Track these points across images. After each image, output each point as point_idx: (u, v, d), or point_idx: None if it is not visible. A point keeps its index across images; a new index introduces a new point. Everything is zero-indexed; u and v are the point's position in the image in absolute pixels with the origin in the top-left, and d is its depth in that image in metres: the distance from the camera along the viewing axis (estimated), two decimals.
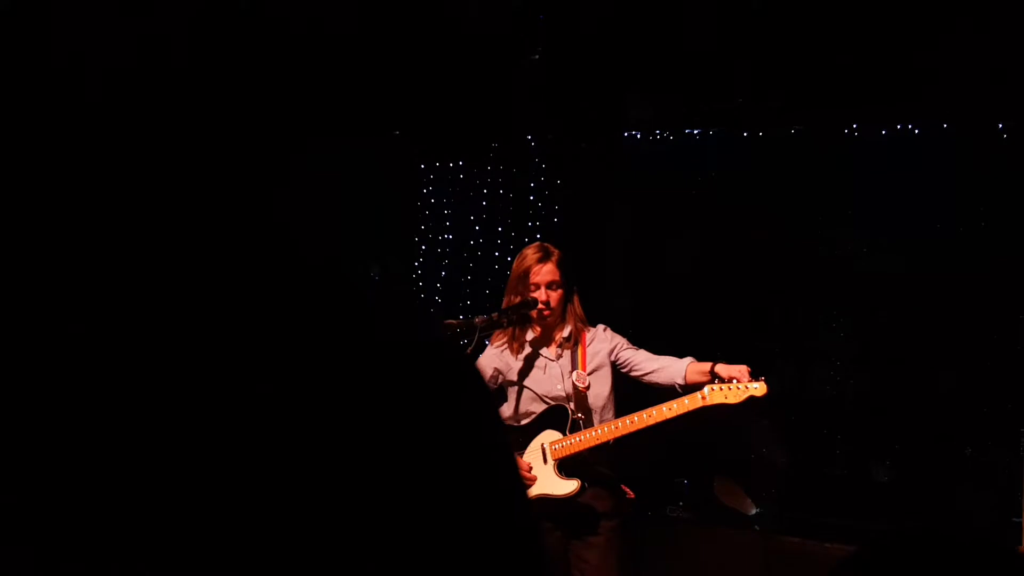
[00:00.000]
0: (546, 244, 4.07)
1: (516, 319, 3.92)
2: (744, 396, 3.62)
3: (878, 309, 6.33)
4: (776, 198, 6.61)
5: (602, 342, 4.01)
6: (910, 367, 6.18)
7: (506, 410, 4.00)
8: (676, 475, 6.46)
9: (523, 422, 3.91)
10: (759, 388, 3.62)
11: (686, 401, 3.66)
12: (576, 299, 4.05)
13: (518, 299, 3.91)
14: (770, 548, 5.54)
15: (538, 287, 3.88)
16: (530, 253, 3.96)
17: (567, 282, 3.97)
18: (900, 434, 6.18)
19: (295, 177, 6.55)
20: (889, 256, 6.25)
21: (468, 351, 3.66)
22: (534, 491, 3.73)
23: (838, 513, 5.88)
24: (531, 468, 3.78)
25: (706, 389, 3.65)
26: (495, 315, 3.85)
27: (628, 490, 3.92)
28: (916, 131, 6.45)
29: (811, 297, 6.49)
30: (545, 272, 3.89)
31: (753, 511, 6.11)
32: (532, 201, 7.48)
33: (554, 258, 3.93)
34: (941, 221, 6.21)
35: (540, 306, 3.85)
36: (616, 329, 4.18)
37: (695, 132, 7.04)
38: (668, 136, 7.12)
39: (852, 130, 6.57)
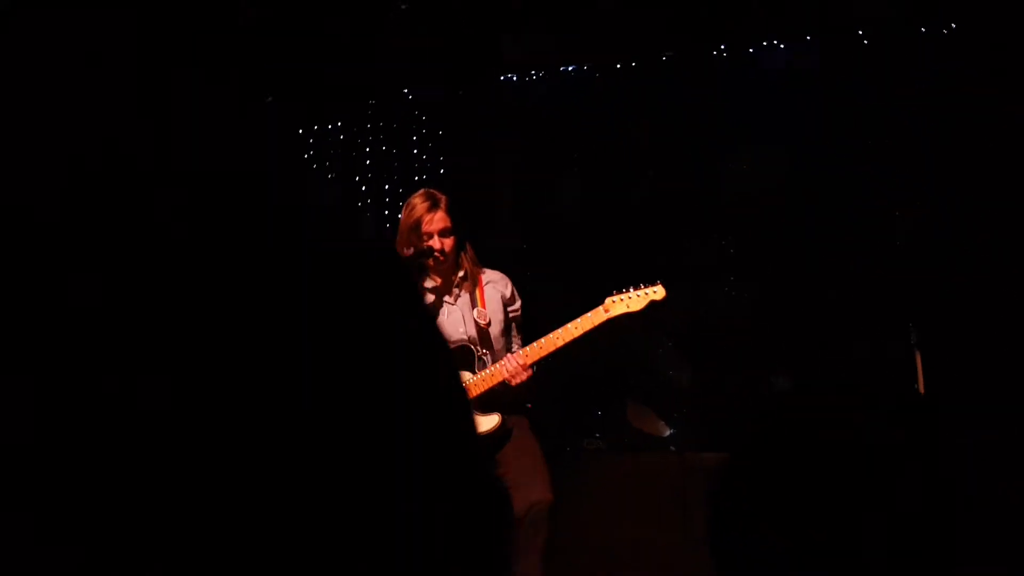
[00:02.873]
0: (431, 191, 4.03)
1: (415, 271, 3.89)
2: (645, 301, 3.67)
3: (762, 223, 6.49)
4: (654, 126, 6.69)
5: (500, 287, 4.02)
6: (799, 275, 6.38)
7: None
8: (588, 407, 6.57)
9: None
10: (658, 291, 3.69)
11: (589, 315, 3.69)
12: (467, 243, 4.04)
13: (411, 250, 3.85)
14: (688, 466, 5.68)
15: (431, 236, 3.85)
16: (418, 203, 3.91)
17: (457, 227, 3.96)
18: (796, 341, 6.37)
19: (173, 159, 6.38)
20: (768, 171, 6.40)
21: None
22: None
23: (747, 425, 6.04)
24: None
25: (607, 301, 3.68)
26: None
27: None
28: (782, 46, 6.59)
29: (698, 220, 6.61)
30: (436, 220, 3.87)
31: (667, 433, 6.27)
32: (416, 155, 7.43)
33: (443, 205, 3.91)
34: (814, 131, 6.39)
35: (436, 254, 3.84)
36: (512, 271, 4.17)
37: (570, 69, 7.06)
38: (543, 75, 7.12)
39: (721, 51, 6.68)
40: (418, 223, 3.86)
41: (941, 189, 6.10)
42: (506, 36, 6.63)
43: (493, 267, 4.19)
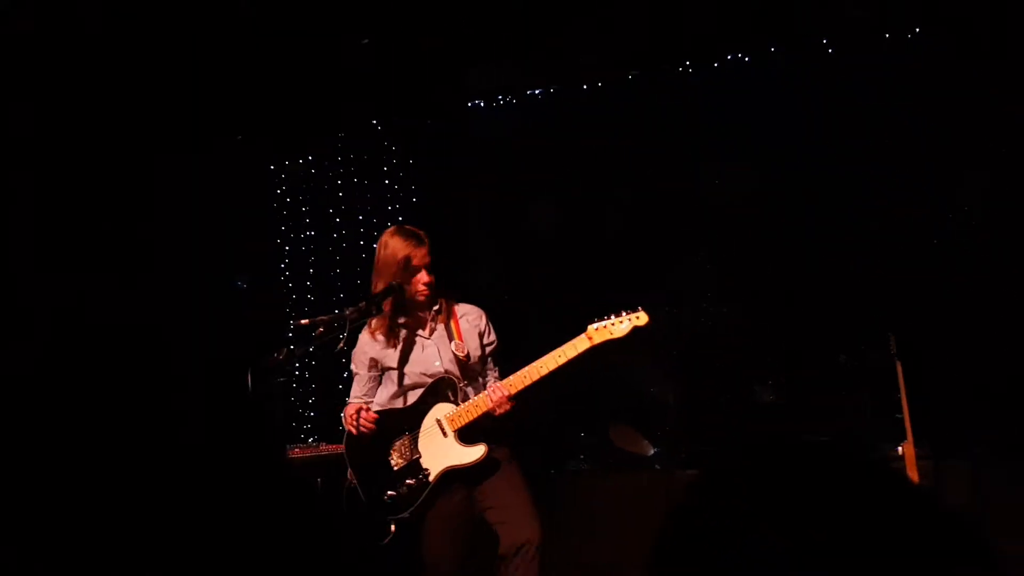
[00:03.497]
0: (409, 227, 3.98)
1: (383, 305, 3.87)
2: (629, 328, 3.63)
3: (737, 237, 6.50)
4: (625, 145, 6.71)
5: (475, 320, 3.99)
6: (777, 287, 6.38)
7: (383, 394, 3.95)
8: (571, 429, 6.54)
9: (408, 403, 3.86)
10: (641, 317, 3.64)
11: (573, 343, 3.67)
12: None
13: (398, 285, 3.81)
14: (672, 484, 5.66)
15: (419, 271, 3.82)
16: (402, 239, 3.86)
17: (436, 261, 3.90)
18: (777, 353, 6.37)
19: (149, 199, 6.36)
20: (741, 184, 6.41)
21: (340, 344, 3.62)
22: (442, 464, 3.70)
23: (732, 440, 6.03)
24: (362, 409, 3.76)
25: (589, 329, 3.65)
26: (362, 304, 3.80)
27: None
28: (747, 59, 6.62)
29: (672, 236, 6.62)
30: (424, 255, 3.83)
31: (651, 451, 6.24)
32: (388, 185, 7.43)
33: (427, 241, 3.87)
34: (785, 142, 6.41)
35: (422, 288, 3.81)
36: (489, 299, 4.19)
37: (537, 92, 7.08)
38: (511, 100, 7.15)
39: (686, 67, 6.72)
40: (408, 259, 3.81)
41: (919, 198, 6.13)
42: (469, 66, 6.66)
43: (470, 294, 4.19)
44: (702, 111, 6.60)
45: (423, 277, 3.81)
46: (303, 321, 3.77)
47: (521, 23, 6.27)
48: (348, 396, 4.02)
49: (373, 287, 3.89)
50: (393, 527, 3.64)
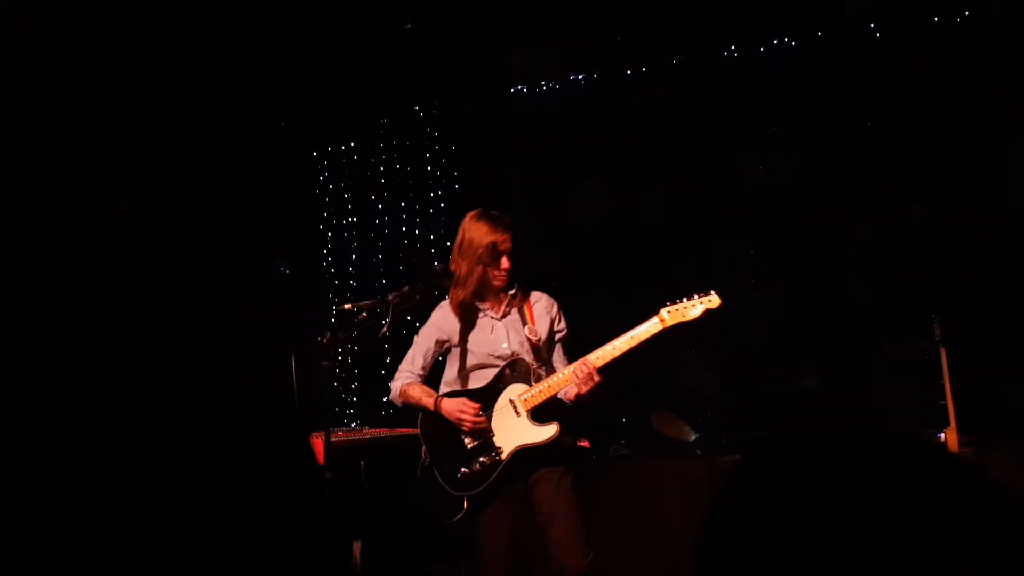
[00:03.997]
0: (494, 212, 4.06)
1: (428, 290, 3.96)
2: (701, 310, 3.71)
3: (780, 223, 6.45)
4: (668, 131, 6.69)
5: (547, 310, 4.08)
6: (820, 274, 6.33)
7: (450, 372, 4.05)
8: (613, 414, 6.55)
9: (478, 384, 3.96)
10: (713, 300, 3.71)
11: (647, 325, 3.73)
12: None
13: (475, 267, 3.92)
14: (714, 470, 5.65)
15: (502, 256, 3.92)
16: (488, 224, 3.96)
17: (516, 246, 4.01)
18: (821, 339, 6.33)
19: (193, 184, 6.45)
20: (783, 170, 6.36)
21: (384, 330, 3.66)
22: (515, 443, 3.78)
23: (774, 425, 6.02)
24: (478, 409, 3.83)
25: (663, 312, 3.72)
26: (406, 289, 3.85)
27: (583, 440, 4.01)
28: (793, 44, 6.56)
29: (715, 222, 6.58)
30: (507, 241, 3.94)
31: (692, 437, 6.23)
32: (430, 171, 7.46)
33: (511, 227, 3.98)
34: (831, 127, 6.35)
35: (503, 273, 3.91)
36: (535, 283, 4.26)
37: (579, 78, 7.07)
38: (554, 86, 7.14)
39: (731, 52, 6.66)
40: (493, 245, 3.91)
41: (966, 184, 6.05)
42: (511, 51, 6.65)
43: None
44: (746, 96, 6.55)
45: (504, 263, 3.90)
46: (346, 306, 3.83)
47: (564, 7, 6.25)
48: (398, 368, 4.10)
49: (455, 267, 3.99)
50: (466, 504, 3.74)
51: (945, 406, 5.32)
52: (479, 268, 3.90)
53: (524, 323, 3.98)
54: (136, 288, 5.67)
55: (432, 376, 4.09)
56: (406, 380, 4.03)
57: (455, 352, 4.03)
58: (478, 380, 3.97)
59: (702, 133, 6.61)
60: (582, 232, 6.80)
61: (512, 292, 4.01)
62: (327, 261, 7.74)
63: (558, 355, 4.07)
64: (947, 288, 5.87)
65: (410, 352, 4.11)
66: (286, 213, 7.43)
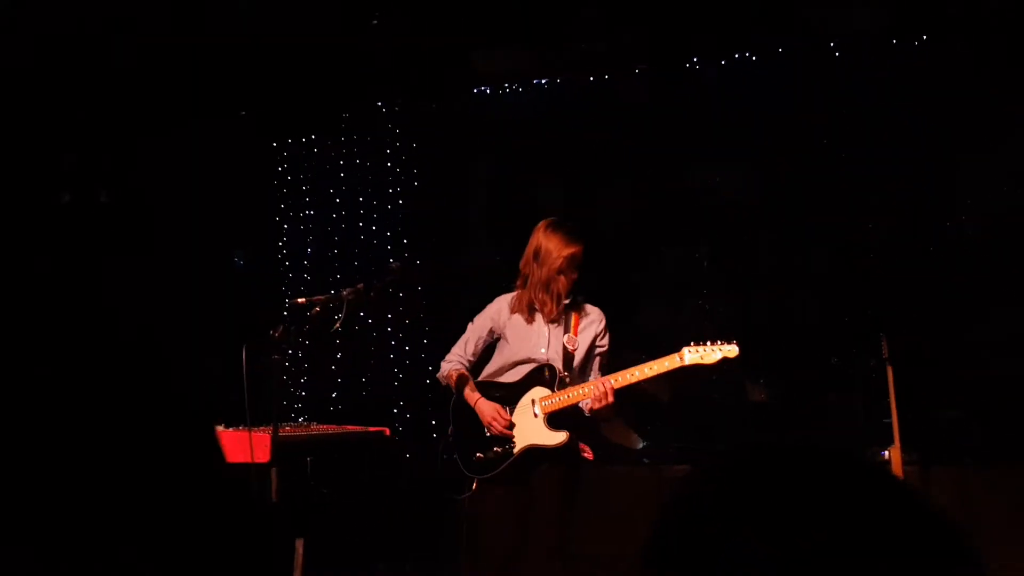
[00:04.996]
0: (571, 224, 4.21)
1: (383, 288, 3.99)
2: (719, 357, 3.87)
3: (736, 235, 6.51)
4: (629, 139, 6.72)
5: (595, 324, 4.22)
6: (772, 287, 6.39)
7: (493, 363, 4.24)
8: None
9: (510, 379, 4.15)
10: (732, 350, 3.87)
11: (666, 363, 3.91)
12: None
13: (544, 272, 4.08)
14: (661, 479, 5.68)
15: (574, 269, 4.08)
16: (565, 237, 4.11)
17: None
18: (771, 353, 6.38)
19: (147, 171, 6.36)
20: (741, 183, 6.43)
21: (336, 325, 3.64)
22: (527, 440, 4.01)
23: (722, 437, 6.06)
24: (510, 421, 4.06)
25: (685, 352, 3.88)
26: (360, 286, 3.85)
27: (586, 448, 4.15)
28: (754, 58, 6.62)
29: (672, 231, 6.63)
30: (581, 255, 4.10)
31: (640, 445, 6.26)
32: (390, 168, 7.43)
33: (583, 241, 4.12)
34: (786, 142, 6.42)
35: (567, 283, 4.09)
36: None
37: (543, 82, 7.08)
38: (518, 88, 7.14)
39: (693, 63, 6.72)
40: (574, 256, 4.07)
41: (918, 202, 6.15)
42: (477, 52, 6.65)
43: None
44: (707, 108, 6.60)
45: (573, 275, 4.09)
46: (299, 300, 3.82)
47: (532, 10, 6.26)
48: (448, 352, 4.35)
49: (527, 271, 4.18)
50: (475, 485, 4.02)
51: (890, 424, 5.39)
52: (559, 278, 4.08)
53: (566, 331, 4.14)
54: (79, 266, 5.55)
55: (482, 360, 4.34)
56: (456, 366, 4.26)
57: (502, 344, 4.25)
58: (513, 375, 4.17)
59: (662, 142, 6.65)
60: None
61: (567, 301, 4.17)
62: (282, 254, 7.67)
63: (595, 368, 4.22)
64: (896, 307, 5.97)
65: (463, 337, 4.33)
66: (243, 203, 7.34)
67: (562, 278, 4.08)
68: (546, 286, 4.10)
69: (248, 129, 7.32)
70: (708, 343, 3.89)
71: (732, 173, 6.48)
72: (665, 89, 6.72)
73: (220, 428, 3.64)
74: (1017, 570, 5.02)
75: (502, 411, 4.08)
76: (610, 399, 3.88)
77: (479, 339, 4.30)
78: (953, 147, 6.02)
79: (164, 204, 6.37)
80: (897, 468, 5.13)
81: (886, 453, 5.33)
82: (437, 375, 4.39)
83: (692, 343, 3.90)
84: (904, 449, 5.28)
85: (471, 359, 4.31)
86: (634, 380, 3.91)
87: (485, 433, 4.10)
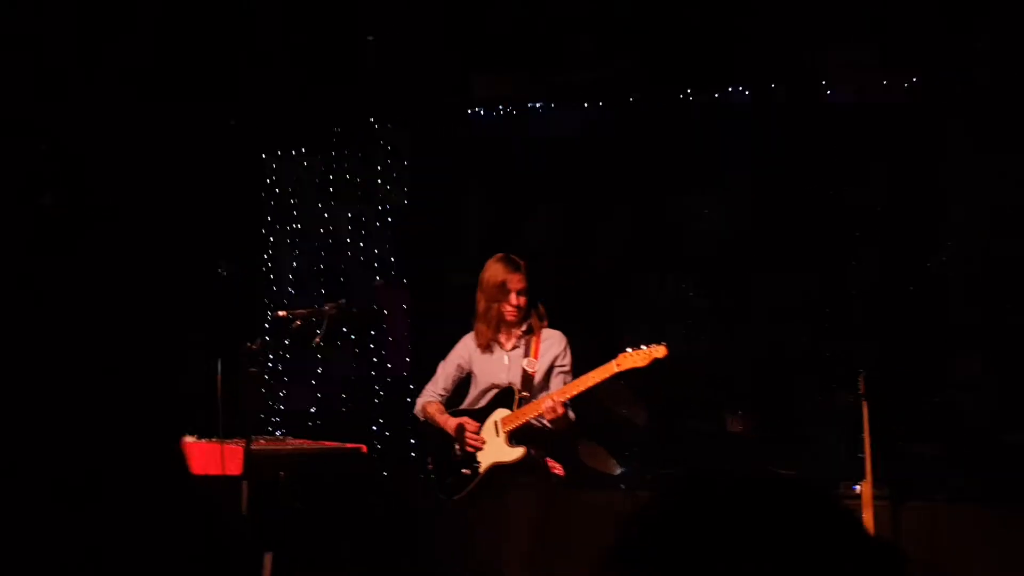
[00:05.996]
0: (513, 256, 4.50)
1: (365, 305, 4.09)
2: (649, 359, 4.03)
3: (723, 266, 6.56)
4: (620, 166, 6.76)
5: (555, 346, 4.45)
6: (756, 320, 6.43)
7: (469, 395, 4.52)
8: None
9: (477, 405, 4.43)
10: (660, 350, 4.03)
11: (603, 368, 4.11)
12: (540, 303, 4.54)
13: (495, 304, 4.39)
14: (635, 505, 5.66)
15: (511, 293, 4.36)
16: (502, 266, 4.42)
17: (531, 287, 4.46)
18: (751, 384, 6.42)
19: (131, 175, 6.35)
20: (728, 215, 6.48)
21: (317, 340, 3.66)
22: (490, 460, 4.24)
23: (696, 464, 6.07)
24: (478, 428, 4.31)
25: (620, 356, 4.07)
26: (342, 301, 3.89)
27: (555, 464, 4.29)
28: (747, 93, 6.68)
29: (659, 259, 6.67)
30: (517, 281, 4.38)
31: (618, 471, 6.26)
32: (380, 185, 7.43)
33: (523, 268, 4.43)
34: (775, 177, 6.48)
35: (512, 309, 4.37)
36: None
37: (538, 106, 7.11)
38: (512, 111, 7.17)
39: (686, 94, 6.77)
40: (504, 284, 4.36)
41: (898, 244, 6.21)
42: (474, 71, 6.69)
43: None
44: (698, 139, 6.65)
45: (514, 300, 4.36)
46: (281, 313, 3.85)
47: (529, 35, 6.31)
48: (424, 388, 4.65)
49: (477, 302, 4.49)
50: (451, 505, 4.28)
51: (863, 459, 5.42)
52: (494, 305, 4.39)
53: (527, 355, 4.41)
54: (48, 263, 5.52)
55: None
56: (428, 399, 4.55)
57: (472, 378, 4.52)
58: (481, 402, 4.45)
59: (652, 170, 6.69)
60: (525, 257, 6.83)
61: (524, 328, 4.45)
62: (267, 266, 7.65)
63: (557, 387, 4.39)
64: (875, 344, 6.02)
65: (435, 375, 4.62)
66: (229, 214, 7.32)
67: (498, 306, 4.36)
68: (485, 315, 4.40)
69: (237, 139, 7.31)
70: (642, 346, 4.02)
71: (720, 204, 6.54)
72: (657, 118, 6.77)
73: (192, 439, 3.63)
74: None
75: (470, 422, 4.32)
76: (559, 410, 4.05)
77: (448, 376, 4.57)
78: (938, 187, 6.08)
79: (147, 209, 6.35)
80: (867, 503, 5.16)
81: (857, 487, 5.37)
82: (414, 411, 4.62)
83: (628, 350, 4.04)
84: (875, 484, 5.32)
85: (442, 394, 4.57)
86: (578, 391, 4.11)
87: (456, 456, 4.30)
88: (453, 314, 6.59)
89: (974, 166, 6.02)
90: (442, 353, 4.69)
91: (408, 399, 7.02)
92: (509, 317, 4.40)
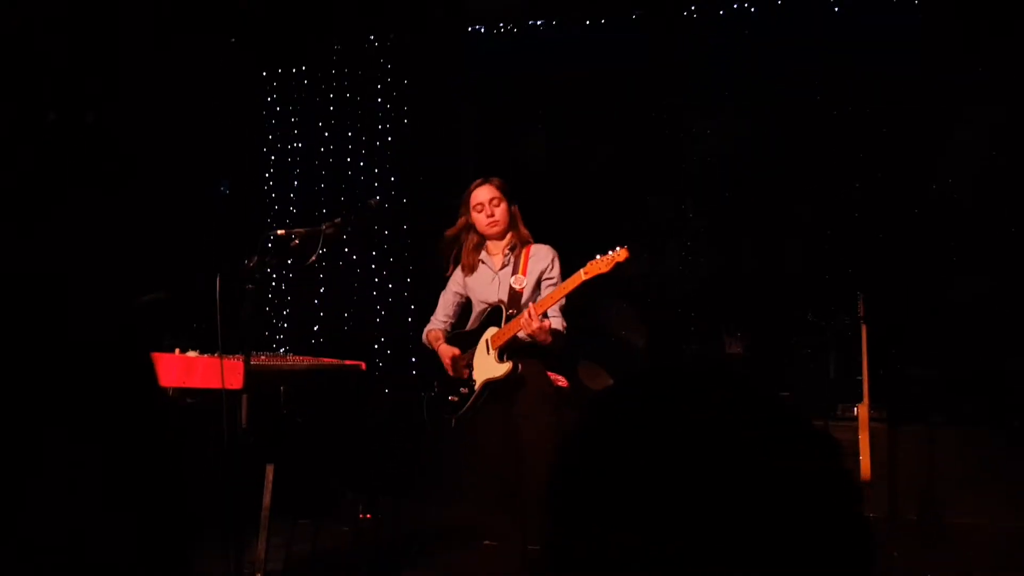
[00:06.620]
0: (486, 175, 4.52)
1: (360, 223, 4.06)
2: (612, 263, 4.00)
3: (721, 189, 6.53)
4: (620, 85, 6.69)
5: (542, 260, 4.45)
6: (755, 240, 6.43)
7: (471, 321, 4.56)
8: None
9: (472, 326, 4.51)
10: (621, 253, 3.99)
11: (572, 277, 4.09)
12: (520, 221, 4.52)
13: (466, 218, 4.47)
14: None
15: (481, 205, 4.41)
16: (475, 182, 4.49)
17: (509, 201, 4.47)
18: (750, 306, 6.44)
19: (132, 94, 6.31)
20: (731, 134, 6.43)
21: (313, 258, 3.67)
22: (482, 376, 4.32)
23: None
24: (457, 354, 4.44)
25: (587, 265, 4.05)
26: (338, 220, 3.88)
27: (558, 377, 4.35)
28: (752, 9, 6.58)
29: (659, 181, 6.64)
30: (484, 192, 4.42)
31: None
32: (380, 103, 7.39)
33: (494, 181, 4.46)
34: (776, 96, 6.42)
35: (485, 220, 4.41)
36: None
37: (538, 23, 7.02)
38: (512, 28, 7.08)
39: (691, 12, 6.67)
40: (468, 194, 4.44)
41: (904, 164, 6.17)
42: None
43: (452, 220, 4.59)
44: (701, 58, 6.58)
45: (485, 212, 4.39)
46: (279, 231, 3.84)
47: None
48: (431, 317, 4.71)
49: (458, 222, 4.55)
50: (454, 422, 4.36)
51: (860, 381, 5.46)
52: (462, 219, 4.47)
53: (515, 272, 4.41)
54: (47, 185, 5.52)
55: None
56: (430, 327, 4.66)
57: (471, 301, 4.59)
58: (475, 322, 4.52)
59: (655, 90, 6.64)
60: (525, 177, 6.82)
61: (511, 245, 4.47)
62: (268, 185, 7.65)
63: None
64: (876, 266, 6.02)
65: (438, 304, 4.69)
66: (230, 131, 7.30)
67: (468, 219, 4.45)
68: (465, 228, 4.50)
69: (238, 57, 7.25)
70: (606, 253, 4.02)
71: (723, 124, 6.48)
72: (661, 36, 6.68)
73: (194, 354, 3.67)
74: (979, 528, 5.14)
75: (450, 348, 4.46)
76: (535, 323, 4.08)
77: (447, 303, 4.67)
78: (944, 109, 6.02)
79: (147, 127, 6.32)
80: (864, 425, 5.20)
81: (855, 409, 5.42)
82: (422, 340, 4.73)
83: (597, 256, 4.05)
84: (873, 407, 5.37)
85: (446, 319, 4.66)
86: (552, 302, 4.14)
87: (453, 376, 4.45)
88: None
89: (983, 85, 5.95)
90: (439, 272, 4.73)
91: (408, 318, 7.10)
92: (483, 229, 4.44)
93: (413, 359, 7.06)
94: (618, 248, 4.01)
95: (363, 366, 4.46)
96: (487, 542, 4.44)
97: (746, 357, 6.41)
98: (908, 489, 5.38)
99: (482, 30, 7.10)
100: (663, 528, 0.90)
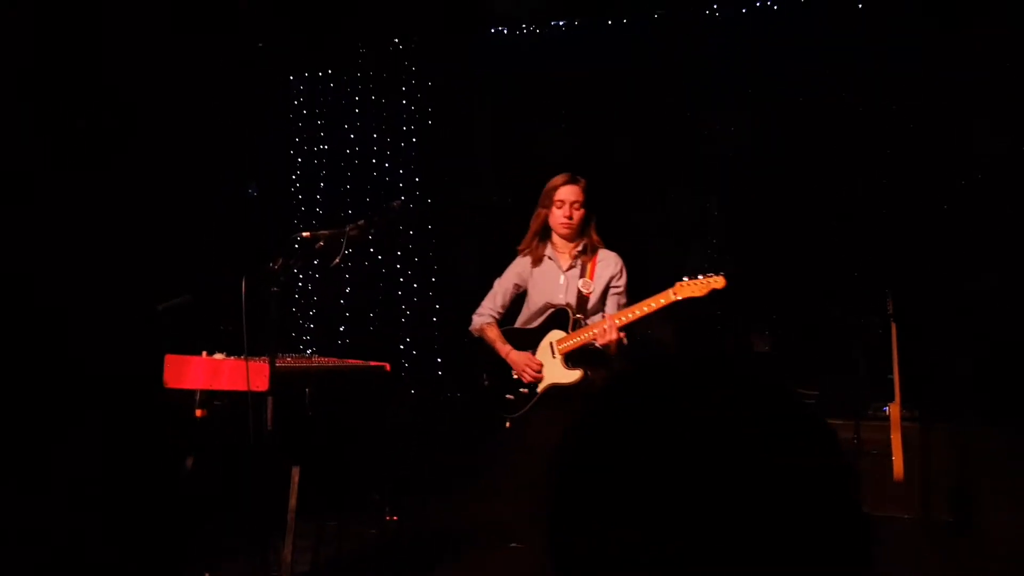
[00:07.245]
0: (576, 174, 4.45)
1: (383, 225, 4.07)
2: (707, 289, 4.01)
3: (747, 186, 6.49)
4: (643, 84, 6.67)
5: (611, 267, 4.41)
6: (781, 238, 6.38)
7: (523, 312, 4.51)
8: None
9: (532, 325, 4.41)
10: (719, 280, 4.01)
11: (661, 299, 4.07)
12: (593, 225, 4.46)
13: (544, 211, 4.41)
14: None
15: (563, 204, 4.36)
16: (560, 176, 4.41)
17: (589, 206, 4.41)
18: (777, 304, 6.40)
19: (162, 96, 6.36)
20: (754, 133, 6.39)
21: (336, 260, 3.68)
22: (548, 381, 4.24)
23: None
24: (541, 366, 4.29)
25: (677, 285, 4.04)
26: (363, 222, 3.89)
27: None
28: (775, 7, 6.54)
29: (683, 178, 6.61)
30: (570, 192, 4.36)
31: None
32: (404, 105, 7.41)
33: (581, 183, 4.40)
34: (802, 95, 6.37)
35: (563, 220, 4.35)
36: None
37: (560, 24, 7.02)
38: (534, 29, 7.08)
39: (713, 9, 6.64)
40: (553, 189, 4.37)
41: (932, 160, 6.10)
42: None
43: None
44: (725, 54, 6.54)
45: (565, 210, 4.34)
46: (305, 234, 3.85)
47: None
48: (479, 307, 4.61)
49: (536, 212, 4.47)
50: (508, 424, 4.28)
51: (892, 380, 5.42)
52: (543, 212, 4.40)
53: (582, 276, 4.37)
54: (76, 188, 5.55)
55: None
56: (487, 320, 4.54)
57: (528, 295, 4.50)
58: (535, 321, 4.43)
59: (678, 88, 6.61)
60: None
61: (581, 248, 4.41)
62: (295, 187, 7.70)
63: (611, 309, 4.38)
64: (904, 263, 5.96)
65: (491, 292, 4.59)
66: (258, 135, 7.36)
67: (546, 212, 4.37)
68: (540, 222, 4.40)
69: (265, 61, 7.30)
70: (699, 277, 4.02)
71: (747, 120, 6.44)
72: (683, 33, 6.65)
73: (221, 356, 3.69)
74: (1012, 526, 5.07)
75: (532, 359, 4.30)
76: (613, 335, 4.04)
77: (506, 292, 4.55)
78: (971, 103, 5.95)
79: (174, 130, 6.38)
80: (896, 424, 5.16)
81: (887, 409, 5.37)
82: (469, 328, 4.62)
83: (685, 279, 4.04)
84: (904, 406, 5.32)
85: (500, 311, 4.55)
86: (636, 317, 4.07)
87: (513, 375, 4.35)
88: (477, 233, 6.62)
89: (1011, 79, 5.88)
90: (464, 271, 4.70)
91: (434, 318, 7.11)
92: (559, 228, 4.38)
93: (438, 359, 7.07)
94: (713, 275, 4.01)
95: (388, 367, 4.47)
96: (514, 544, 4.44)
97: (774, 355, 6.37)
98: (941, 489, 5.32)
99: (504, 31, 7.11)
100: (663, 524, 0.89)
